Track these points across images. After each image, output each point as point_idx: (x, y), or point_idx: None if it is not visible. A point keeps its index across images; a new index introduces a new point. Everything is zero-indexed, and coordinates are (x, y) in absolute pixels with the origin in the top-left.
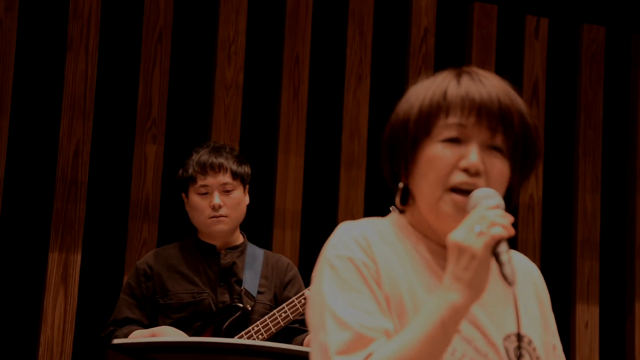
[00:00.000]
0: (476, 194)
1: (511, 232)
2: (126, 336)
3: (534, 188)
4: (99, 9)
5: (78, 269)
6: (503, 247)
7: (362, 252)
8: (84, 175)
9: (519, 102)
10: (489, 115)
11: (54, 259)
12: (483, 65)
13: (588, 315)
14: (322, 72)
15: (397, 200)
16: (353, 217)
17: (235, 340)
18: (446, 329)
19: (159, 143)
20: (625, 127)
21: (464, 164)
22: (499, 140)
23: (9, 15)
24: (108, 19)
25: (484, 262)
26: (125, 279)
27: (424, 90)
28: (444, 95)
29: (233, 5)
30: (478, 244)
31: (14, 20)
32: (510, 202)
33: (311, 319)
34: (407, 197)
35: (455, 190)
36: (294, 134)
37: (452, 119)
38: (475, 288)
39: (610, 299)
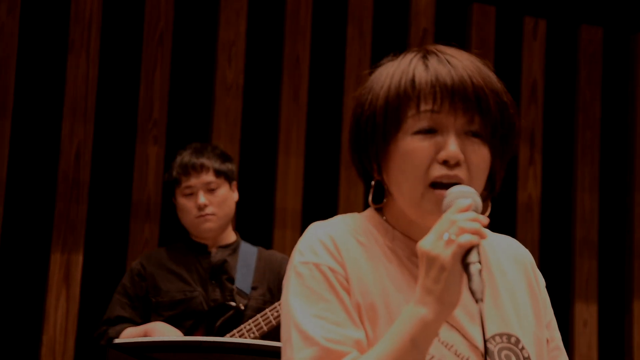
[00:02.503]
0: (451, 192)
1: (483, 236)
2: (118, 334)
3: (532, 188)
4: (100, 12)
5: (80, 270)
6: (473, 257)
7: (329, 256)
8: (86, 177)
9: (493, 81)
10: (463, 100)
11: (56, 259)
12: None
13: (587, 314)
14: (322, 73)
15: (370, 198)
16: None
17: (236, 339)
18: (417, 344)
19: (160, 144)
20: (623, 127)
21: (442, 155)
22: (476, 125)
23: (11, 18)
24: (109, 22)
25: (454, 273)
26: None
27: (388, 77)
28: (412, 82)
29: (233, 7)
30: (446, 254)
31: (16, 22)
32: (494, 189)
33: (282, 332)
34: (382, 193)
35: (437, 184)
36: (294, 134)
37: (424, 108)
38: (445, 302)
39: (608, 298)
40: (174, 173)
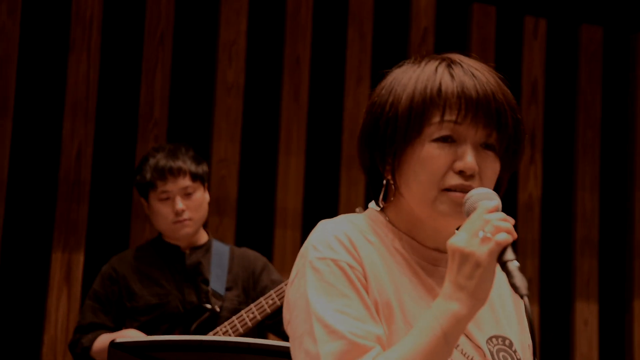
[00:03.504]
0: (474, 194)
1: (515, 236)
2: (91, 342)
3: (533, 187)
4: (100, 12)
5: (81, 269)
6: (510, 255)
7: (347, 253)
8: (87, 176)
9: (511, 97)
10: (485, 115)
11: (57, 259)
12: None
13: (587, 314)
14: (323, 73)
15: (381, 196)
16: None
17: (236, 338)
18: (448, 339)
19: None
20: (624, 126)
21: (459, 165)
22: (492, 139)
23: (12, 18)
24: (110, 21)
25: (489, 270)
26: None
27: (412, 81)
28: (439, 90)
29: (234, 6)
30: (482, 251)
31: (17, 23)
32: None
33: (295, 326)
34: (389, 193)
35: (450, 190)
36: (295, 134)
37: (448, 117)
38: (479, 297)
39: (609, 297)
40: (149, 176)
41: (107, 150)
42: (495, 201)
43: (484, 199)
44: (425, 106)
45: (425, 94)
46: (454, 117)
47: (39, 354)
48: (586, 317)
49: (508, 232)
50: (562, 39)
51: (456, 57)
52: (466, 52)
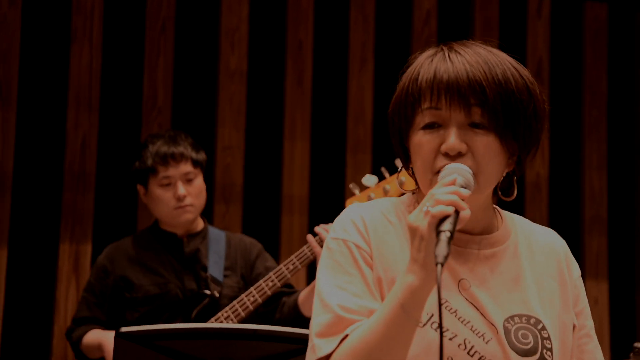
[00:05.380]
0: (445, 169)
1: (459, 207)
2: (79, 338)
3: (540, 166)
4: (102, 1)
5: (89, 259)
6: (445, 226)
7: (358, 234)
8: (92, 167)
9: (499, 71)
10: (458, 95)
11: (64, 250)
12: None
13: (597, 292)
14: (326, 57)
15: (396, 182)
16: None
17: (243, 325)
18: (406, 310)
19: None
20: (630, 104)
21: (443, 147)
22: (477, 117)
23: (13, 9)
24: (111, 11)
25: (431, 241)
26: None
27: (405, 77)
28: (415, 81)
29: None
30: (423, 224)
31: (18, 13)
32: (515, 174)
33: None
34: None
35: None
36: (299, 120)
37: (425, 105)
38: (428, 268)
39: (619, 275)
40: (150, 162)
41: (112, 140)
42: (454, 175)
43: (447, 175)
44: (408, 100)
45: (409, 89)
46: (428, 104)
47: (50, 345)
48: (596, 295)
49: (450, 204)
50: (567, 18)
51: (449, 44)
52: (470, 33)
